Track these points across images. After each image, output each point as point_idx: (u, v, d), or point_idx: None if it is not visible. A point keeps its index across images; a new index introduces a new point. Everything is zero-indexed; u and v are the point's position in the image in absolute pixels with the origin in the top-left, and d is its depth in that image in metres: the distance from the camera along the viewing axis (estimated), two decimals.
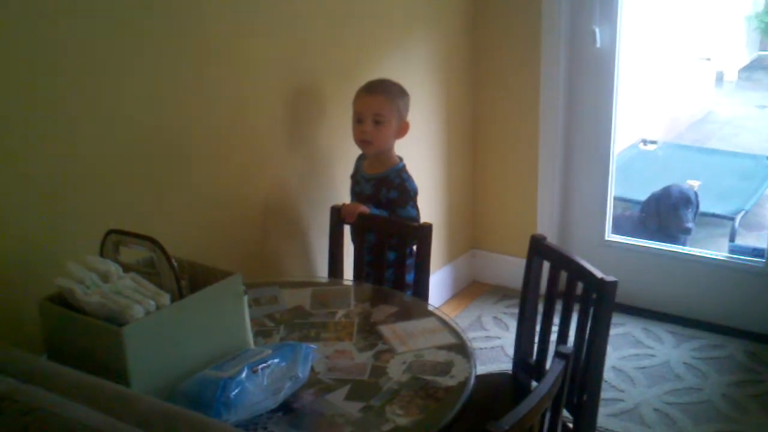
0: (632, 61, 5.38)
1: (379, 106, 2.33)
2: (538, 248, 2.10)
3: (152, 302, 1.50)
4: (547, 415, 1.50)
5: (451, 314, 3.33)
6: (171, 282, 1.57)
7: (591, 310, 1.87)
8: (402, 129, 2.41)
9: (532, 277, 2.10)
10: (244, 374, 1.47)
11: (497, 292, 3.48)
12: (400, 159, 2.45)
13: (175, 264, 1.62)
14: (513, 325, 2.71)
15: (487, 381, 2.17)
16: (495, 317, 3.28)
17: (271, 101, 2.41)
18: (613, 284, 1.83)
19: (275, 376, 1.51)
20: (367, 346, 1.75)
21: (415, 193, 2.40)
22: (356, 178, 2.49)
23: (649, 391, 2.74)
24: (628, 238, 3.46)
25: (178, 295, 1.56)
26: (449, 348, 1.74)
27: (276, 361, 1.52)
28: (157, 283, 1.58)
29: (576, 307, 1.94)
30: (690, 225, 3.70)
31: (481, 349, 3.00)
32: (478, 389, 2.01)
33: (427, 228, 2.19)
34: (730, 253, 3.38)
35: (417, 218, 2.37)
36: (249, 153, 2.36)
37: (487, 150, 3.51)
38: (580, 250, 3.43)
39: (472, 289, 3.56)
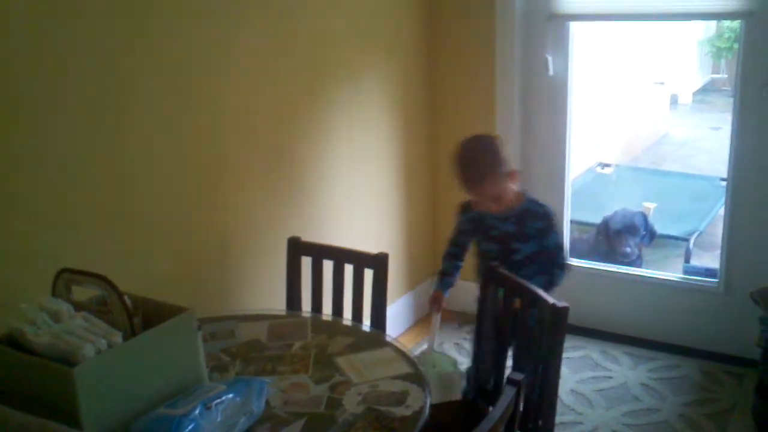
0: (587, 86, 5.50)
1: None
2: (493, 276, 2.14)
3: (104, 341, 1.50)
4: None
5: (412, 341, 3.35)
6: (123, 320, 1.57)
7: (544, 336, 1.91)
8: (512, 177, 2.33)
9: (487, 304, 2.14)
10: (197, 411, 1.47)
11: (458, 319, 3.50)
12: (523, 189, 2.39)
13: (128, 301, 1.61)
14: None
15: (446, 408, 2.18)
16: (456, 343, 3.30)
17: (227, 134, 2.42)
18: (565, 310, 1.88)
19: (229, 412, 1.51)
20: (323, 378, 1.76)
21: (555, 215, 2.38)
22: (485, 224, 2.37)
23: (608, 414, 2.78)
24: (585, 261, 3.53)
25: (130, 333, 1.56)
26: (405, 378, 1.75)
27: (230, 396, 1.52)
28: (110, 322, 1.57)
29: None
30: (628, 249, 3.79)
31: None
32: (436, 417, 2.03)
33: (383, 257, 2.21)
34: (684, 274, 3.46)
35: (562, 243, 2.41)
36: (205, 186, 2.37)
37: (446, 177, 3.54)
38: None
39: None
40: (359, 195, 3.09)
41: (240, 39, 2.42)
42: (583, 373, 3.05)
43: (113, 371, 1.49)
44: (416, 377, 1.75)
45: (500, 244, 2.33)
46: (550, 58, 3.28)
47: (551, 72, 3.30)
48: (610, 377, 3.03)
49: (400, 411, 1.62)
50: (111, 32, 2.02)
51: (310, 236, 2.55)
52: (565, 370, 3.08)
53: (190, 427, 1.44)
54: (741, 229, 3.10)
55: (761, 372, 2.72)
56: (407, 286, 3.47)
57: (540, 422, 1.89)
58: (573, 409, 2.81)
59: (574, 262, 3.49)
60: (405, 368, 1.79)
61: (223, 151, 2.42)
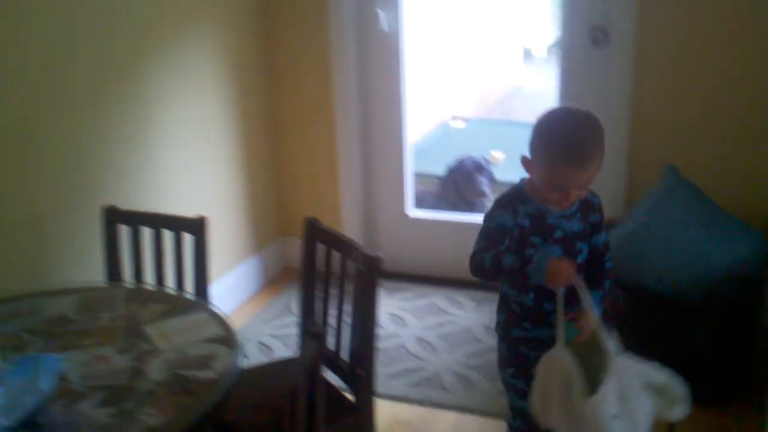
0: (435, 40, 5.57)
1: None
2: (313, 231, 2.13)
3: None
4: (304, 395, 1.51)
5: (263, 303, 3.32)
6: None
7: (361, 287, 1.92)
8: None
9: (308, 259, 2.13)
10: None
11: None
12: None
13: None
14: (319, 307, 2.74)
15: (279, 367, 2.17)
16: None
17: (32, 102, 2.27)
18: (377, 259, 1.89)
19: (13, 393, 1.42)
20: (128, 348, 1.70)
21: None
22: (547, 223, 1.83)
23: (450, 357, 2.86)
24: (428, 211, 3.59)
25: None
26: (215, 340, 1.71)
27: (12, 377, 1.44)
28: None
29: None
30: (485, 188, 3.89)
31: (288, 335, 3.01)
32: (269, 376, 2.02)
33: (200, 220, 2.15)
34: None
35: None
36: (9, 152, 2.21)
37: (288, 137, 3.50)
38: (385, 227, 3.54)
39: (284, 276, 3.56)
40: (193, 159, 2.99)
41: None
42: (428, 320, 3.12)
43: None
44: (227, 339, 1.72)
45: (564, 248, 1.84)
46: (381, 13, 3.27)
47: (384, 27, 3.29)
48: (454, 322, 3.11)
49: (204, 374, 1.59)
50: None
51: (140, 204, 2.44)
52: (411, 318, 3.15)
53: None
54: None
55: None
56: (253, 248, 3.42)
57: (361, 371, 1.91)
58: (417, 357, 2.87)
59: (417, 213, 3.56)
60: (216, 331, 1.75)
61: (28, 113, 2.26)
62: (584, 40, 3.04)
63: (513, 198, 1.86)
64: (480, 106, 6.52)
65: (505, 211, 1.84)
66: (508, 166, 4.73)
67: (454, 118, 5.79)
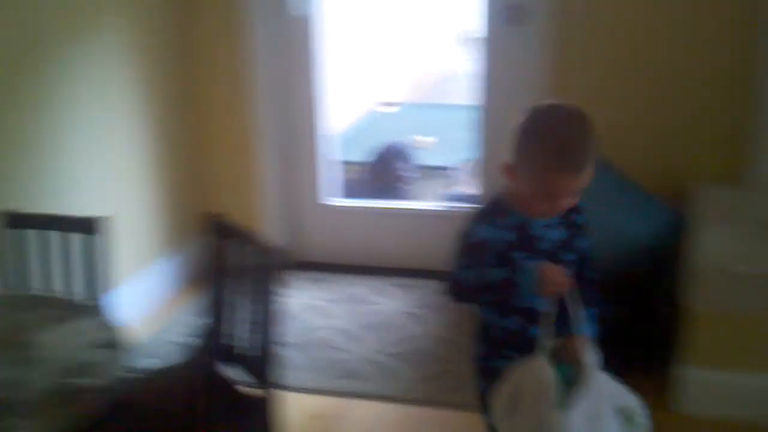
0: (365, 26, 5.53)
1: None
2: (217, 228, 2.08)
3: None
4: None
5: (185, 302, 3.26)
6: None
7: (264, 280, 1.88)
8: None
9: (211, 256, 2.08)
10: None
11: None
12: None
13: None
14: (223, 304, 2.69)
15: (176, 370, 2.12)
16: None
17: None
18: (279, 252, 1.86)
19: None
20: (11, 359, 1.63)
21: None
22: (532, 234, 1.66)
23: (372, 346, 2.85)
24: (348, 200, 3.56)
25: None
26: (102, 346, 1.66)
27: None
28: None
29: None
30: (406, 174, 3.90)
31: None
32: (167, 379, 1.97)
33: (98, 220, 2.07)
34: (446, 201, 3.57)
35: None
36: None
37: (207, 135, 3.43)
38: (305, 217, 3.50)
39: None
40: (101, 154, 2.86)
41: None
42: (351, 310, 3.11)
43: None
44: (117, 344, 1.66)
45: (550, 260, 1.66)
46: None
47: (295, 12, 3.24)
48: (379, 311, 3.10)
49: (91, 381, 1.53)
50: None
51: (42, 207, 2.35)
52: (333, 309, 3.12)
53: None
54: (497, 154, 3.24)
55: None
56: (175, 245, 3.34)
57: (266, 366, 1.87)
58: (340, 348, 2.85)
59: (339, 202, 3.53)
60: (107, 336, 1.70)
61: None
62: (502, 20, 3.04)
63: (490, 210, 1.69)
64: (416, 91, 6.50)
65: (483, 224, 1.67)
66: (438, 151, 4.75)
67: (384, 104, 5.77)
